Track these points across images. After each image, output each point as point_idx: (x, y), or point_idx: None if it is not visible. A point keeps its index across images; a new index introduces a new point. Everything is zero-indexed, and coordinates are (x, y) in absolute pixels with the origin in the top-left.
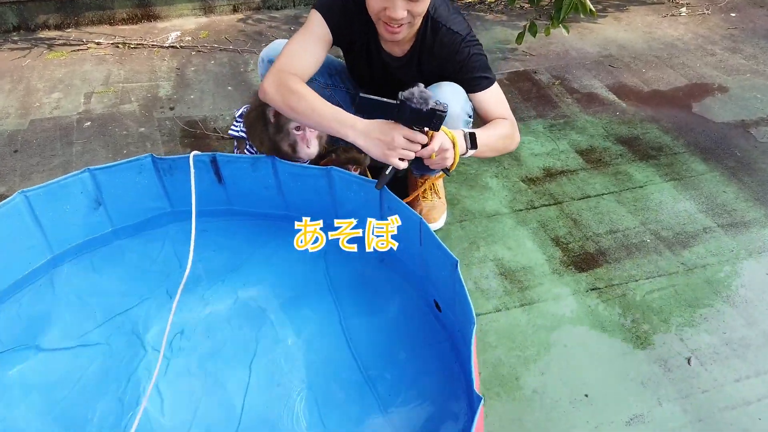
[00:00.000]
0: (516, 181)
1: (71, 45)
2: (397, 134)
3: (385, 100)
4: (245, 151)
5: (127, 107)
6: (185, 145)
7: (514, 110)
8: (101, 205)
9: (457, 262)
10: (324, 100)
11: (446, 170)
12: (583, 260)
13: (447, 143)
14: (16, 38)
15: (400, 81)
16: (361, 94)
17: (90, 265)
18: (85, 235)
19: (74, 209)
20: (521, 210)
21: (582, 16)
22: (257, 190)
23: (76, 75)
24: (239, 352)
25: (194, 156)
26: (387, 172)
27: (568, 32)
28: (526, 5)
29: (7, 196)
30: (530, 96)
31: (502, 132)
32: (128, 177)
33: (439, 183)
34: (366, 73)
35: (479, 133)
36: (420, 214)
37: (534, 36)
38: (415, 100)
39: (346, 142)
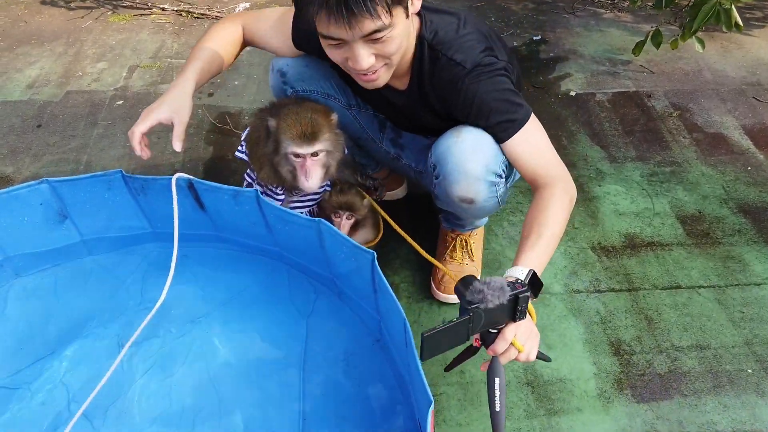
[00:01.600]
0: (584, 247)
1: (136, 8)
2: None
3: (452, 322)
4: (245, 175)
5: (164, 88)
6: (209, 142)
7: (606, 145)
8: (67, 218)
9: (431, 402)
10: (218, 52)
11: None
12: (646, 384)
13: (527, 330)
14: None
15: (414, 115)
16: (424, 334)
17: (53, 283)
18: (51, 248)
19: (33, 221)
20: (580, 292)
21: (725, 30)
22: (243, 225)
23: (128, 43)
24: None
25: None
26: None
27: (702, 48)
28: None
29: (12, 180)
30: (634, 128)
31: (554, 228)
32: (96, 192)
33: (476, 240)
34: (373, 104)
35: (531, 249)
36: (441, 279)
37: (657, 47)
38: (489, 296)
39: (357, 173)
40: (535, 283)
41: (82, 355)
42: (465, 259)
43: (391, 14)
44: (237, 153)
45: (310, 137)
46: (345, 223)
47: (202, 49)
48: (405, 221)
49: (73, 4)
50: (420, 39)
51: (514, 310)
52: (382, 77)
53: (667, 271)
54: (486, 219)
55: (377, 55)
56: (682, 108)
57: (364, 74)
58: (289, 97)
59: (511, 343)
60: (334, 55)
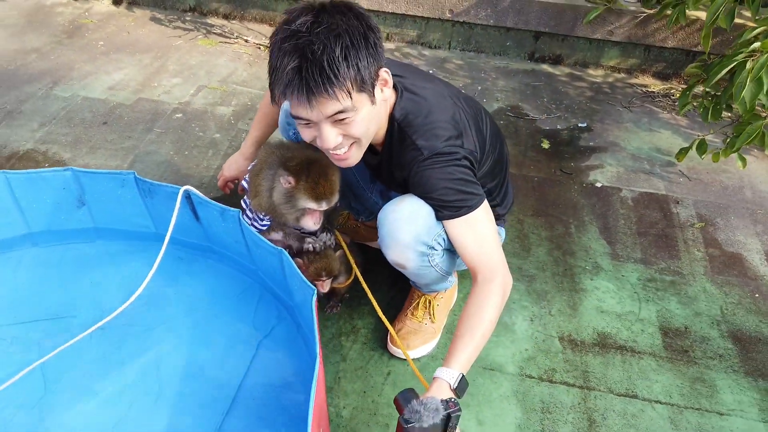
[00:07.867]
0: (552, 335)
1: (224, 36)
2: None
3: None
4: (242, 201)
5: (221, 109)
6: None
7: (614, 241)
8: (84, 205)
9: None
10: (267, 118)
11: None
12: None
13: None
14: (187, 18)
15: (389, 177)
16: None
17: (59, 258)
18: (67, 229)
19: (55, 201)
20: (531, 377)
21: (767, 152)
22: (228, 240)
23: (206, 65)
24: None
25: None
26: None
27: (743, 166)
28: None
29: (66, 165)
30: (649, 231)
31: (487, 326)
32: (111, 187)
33: (441, 303)
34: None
35: (462, 350)
36: (397, 333)
37: (701, 156)
38: (424, 417)
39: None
40: (461, 384)
41: (60, 324)
42: (425, 319)
43: (351, 97)
44: (243, 182)
45: (330, 198)
46: (326, 283)
47: (257, 119)
48: (385, 271)
49: (173, 24)
50: (392, 117)
51: (446, 426)
52: (353, 156)
53: (628, 377)
54: (448, 284)
55: (345, 135)
56: (708, 221)
57: (334, 152)
58: (297, 141)
59: None
60: (305, 134)
